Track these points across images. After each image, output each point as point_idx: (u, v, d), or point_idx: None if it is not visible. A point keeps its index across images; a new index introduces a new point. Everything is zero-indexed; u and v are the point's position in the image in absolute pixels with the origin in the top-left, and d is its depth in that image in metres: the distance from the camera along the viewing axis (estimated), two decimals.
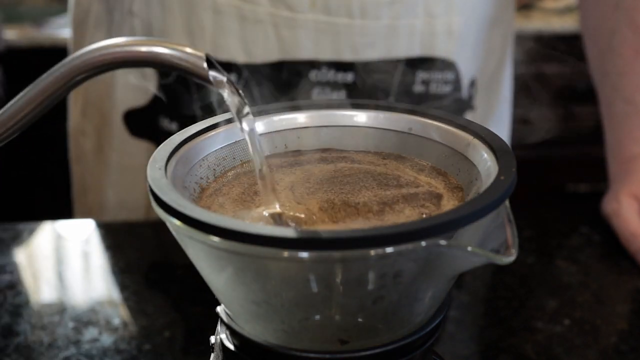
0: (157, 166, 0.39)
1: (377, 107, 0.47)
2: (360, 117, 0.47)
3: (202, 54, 0.39)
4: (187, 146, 0.43)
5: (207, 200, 0.42)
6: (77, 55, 0.39)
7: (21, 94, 0.40)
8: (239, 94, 0.41)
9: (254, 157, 0.41)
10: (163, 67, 0.39)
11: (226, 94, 0.41)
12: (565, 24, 1.86)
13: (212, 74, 0.39)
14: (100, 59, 0.39)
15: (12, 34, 1.84)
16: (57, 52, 1.41)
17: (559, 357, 0.61)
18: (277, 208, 0.40)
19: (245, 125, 0.41)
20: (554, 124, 1.92)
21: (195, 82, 0.84)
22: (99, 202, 0.95)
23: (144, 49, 0.39)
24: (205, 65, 0.39)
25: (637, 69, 0.80)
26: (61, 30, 1.83)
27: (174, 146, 0.41)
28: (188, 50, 0.39)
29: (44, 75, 0.40)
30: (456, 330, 0.66)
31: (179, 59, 0.39)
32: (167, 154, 0.40)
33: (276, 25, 0.79)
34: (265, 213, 0.40)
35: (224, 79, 0.40)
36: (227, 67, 0.81)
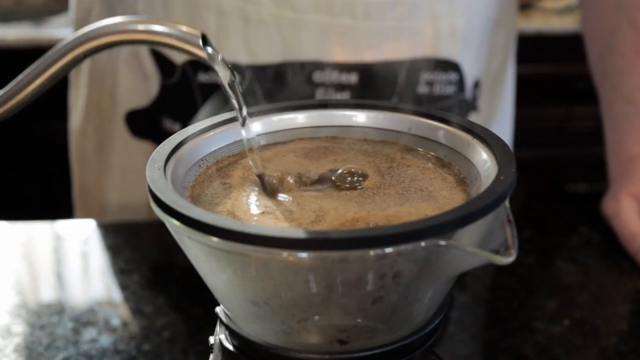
0: (156, 166, 0.39)
1: (376, 107, 0.47)
2: (360, 117, 0.47)
3: (197, 32, 0.40)
4: (186, 146, 0.43)
5: (196, 189, 0.42)
6: (78, 35, 0.41)
7: (26, 70, 0.42)
8: (235, 77, 0.42)
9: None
10: (160, 45, 0.41)
11: (221, 72, 0.41)
12: (565, 24, 1.86)
13: (208, 50, 0.41)
14: (100, 36, 0.41)
15: (11, 34, 1.83)
16: None
17: (559, 358, 0.61)
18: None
19: (243, 123, 0.42)
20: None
21: (199, 82, 0.83)
22: (100, 204, 0.95)
23: (141, 27, 0.41)
24: (200, 42, 0.40)
25: (638, 69, 0.80)
26: (60, 30, 1.83)
27: (173, 146, 0.41)
28: (184, 28, 0.41)
29: (48, 53, 0.42)
30: (456, 330, 0.65)
31: (175, 36, 0.40)
32: (167, 154, 0.40)
33: (280, 26, 0.79)
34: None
35: (219, 56, 0.41)
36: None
